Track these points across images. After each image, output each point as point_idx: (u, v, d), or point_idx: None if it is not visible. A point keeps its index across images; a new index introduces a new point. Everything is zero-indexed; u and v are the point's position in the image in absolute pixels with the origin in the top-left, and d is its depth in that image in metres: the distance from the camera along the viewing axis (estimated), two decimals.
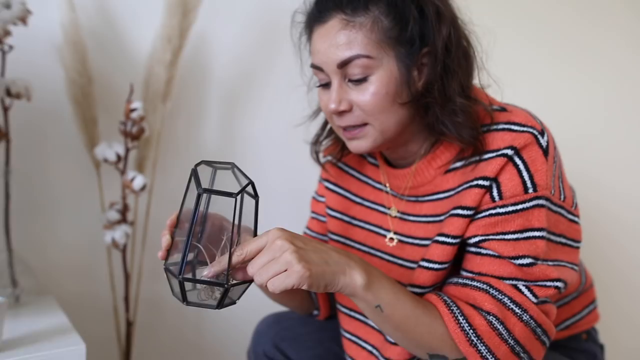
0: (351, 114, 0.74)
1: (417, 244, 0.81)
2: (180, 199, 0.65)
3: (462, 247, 0.76)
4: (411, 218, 0.82)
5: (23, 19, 0.92)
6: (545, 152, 0.71)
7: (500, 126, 0.73)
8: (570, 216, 0.77)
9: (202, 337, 1.38)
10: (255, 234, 0.64)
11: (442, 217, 0.77)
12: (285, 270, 0.60)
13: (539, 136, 0.71)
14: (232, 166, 0.66)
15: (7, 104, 0.95)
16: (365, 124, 0.75)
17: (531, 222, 0.71)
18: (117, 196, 1.15)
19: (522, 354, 0.70)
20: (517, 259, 0.70)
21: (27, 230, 1.14)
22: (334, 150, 0.91)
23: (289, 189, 1.39)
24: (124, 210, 1.13)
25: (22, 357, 0.79)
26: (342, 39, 0.71)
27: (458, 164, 0.76)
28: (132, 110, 1.09)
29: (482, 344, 0.68)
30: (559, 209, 0.75)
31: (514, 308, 0.70)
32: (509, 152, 0.70)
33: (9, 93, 0.94)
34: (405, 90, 0.72)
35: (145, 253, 1.22)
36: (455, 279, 0.75)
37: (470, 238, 0.73)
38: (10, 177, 0.98)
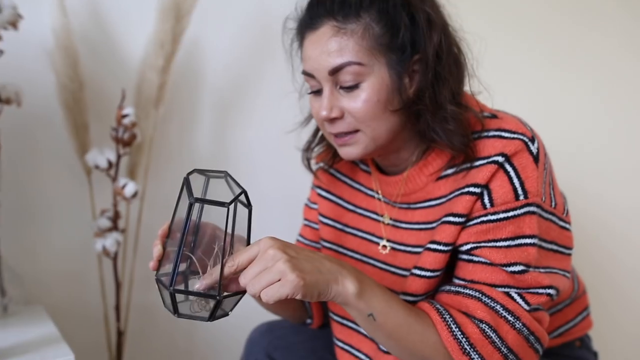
0: (342, 121, 0.74)
1: (410, 252, 0.80)
2: (172, 206, 0.64)
3: (454, 255, 0.75)
4: (403, 225, 0.82)
5: (14, 24, 0.91)
6: (536, 158, 0.71)
7: (491, 133, 0.73)
8: (561, 223, 0.77)
9: (194, 346, 1.36)
10: (248, 244, 0.64)
11: (434, 225, 0.77)
12: (279, 280, 0.59)
13: (529, 143, 0.71)
14: (225, 175, 0.65)
15: None
16: (356, 131, 0.75)
17: (522, 229, 0.71)
18: (109, 203, 1.14)
19: None
20: (509, 266, 0.70)
21: (17, 238, 1.13)
22: (326, 157, 0.91)
23: (281, 195, 1.38)
24: (115, 218, 1.12)
25: None
26: (334, 45, 0.71)
27: (449, 171, 0.76)
28: (124, 116, 1.08)
29: (475, 352, 0.68)
30: (550, 216, 0.75)
31: (507, 316, 0.69)
32: (500, 159, 0.70)
33: None
34: (396, 97, 0.72)
35: (137, 261, 1.21)
36: (447, 287, 0.74)
37: (462, 245, 0.73)
38: None
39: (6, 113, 0.96)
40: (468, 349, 0.68)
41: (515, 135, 0.71)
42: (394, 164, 0.83)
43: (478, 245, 0.72)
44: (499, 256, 0.70)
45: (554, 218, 0.76)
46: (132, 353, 1.27)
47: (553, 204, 0.75)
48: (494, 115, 0.76)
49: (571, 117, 1.67)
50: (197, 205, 0.63)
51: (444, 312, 0.70)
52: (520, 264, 0.70)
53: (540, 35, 1.62)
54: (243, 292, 0.63)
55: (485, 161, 0.71)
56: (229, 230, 0.62)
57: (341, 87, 0.73)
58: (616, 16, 1.67)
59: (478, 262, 0.72)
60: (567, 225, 0.79)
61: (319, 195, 0.93)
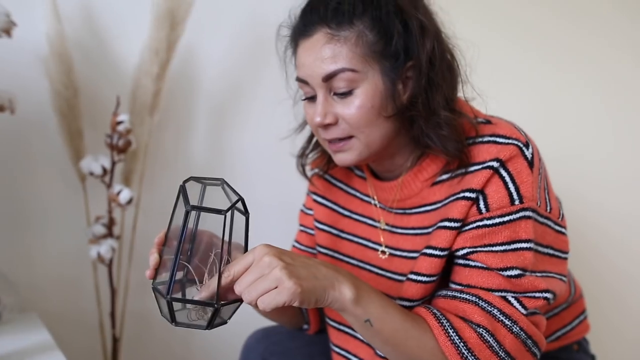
0: (337, 127, 0.74)
1: (406, 257, 0.80)
2: (168, 213, 0.64)
3: (450, 260, 0.75)
4: (399, 231, 0.82)
5: (7, 31, 0.91)
6: (531, 164, 0.72)
7: (486, 139, 0.73)
8: (557, 227, 0.78)
9: (190, 352, 1.36)
10: (245, 251, 0.63)
11: (429, 230, 0.77)
12: (276, 287, 0.59)
13: (523, 148, 0.72)
14: (222, 182, 0.65)
15: None
16: (350, 137, 0.75)
17: (518, 234, 0.71)
18: (103, 210, 1.13)
19: None
20: (505, 271, 0.70)
21: (11, 245, 1.12)
22: (321, 162, 0.91)
23: (277, 202, 1.38)
24: (110, 225, 1.12)
25: None
26: (327, 52, 0.71)
27: (444, 177, 0.77)
28: (119, 122, 1.08)
29: (473, 357, 0.68)
30: (545, 220, 0.75)
31: (504, 320, 0.69)
32: (495, 164, 0.71)
33: None
34: (390, 103, 0.73)
35: (132, 268, 1.20)
36: (444, 292, 0.74)
37: (458, 250, 0.73)
38: None
39: (0, 120, 0.95)
40: (466, 353, 0.67)
41: (510, 141, 0.71)
42: (388, 169, 0.83)
43: (474, 250, 0.72)
44: (495, 261, 0.71)
45: (549, 222, 0.76)
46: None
47: (548, 208, 0.76)
48: (488, 121, 0.76)
49: (568, 123, 1.67)
50: (193, 213, 0.63)
51: (441, 316, 0.70)
52: (516, 268, 0.70)
53: (535, 40, 1.63)
54: (241, 300, 0.63)
55: (480, 166, 0.72)
56: (226, 237, 0.61)
57: (335, 94, 0.73)
58: (612, 18, 1.67)
59: (474, 266, 0.72)
60: (563, 230, 0.79)
61: (315, 201, 0.93)
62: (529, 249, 0.71)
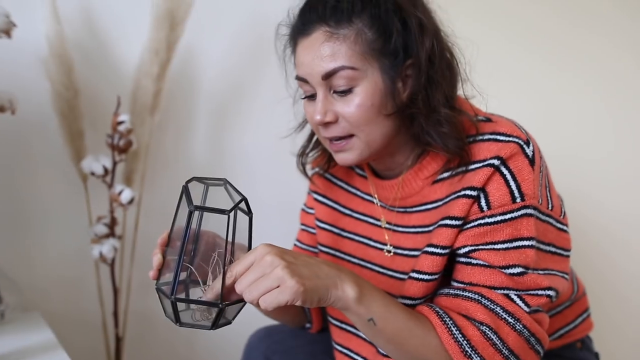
0: (337, 125, 0.74)
1: (407, 255, 0.80)
2: (169, 212, 0.64)
3: (452, 258, 0.75)
4: (400, 229, 0.82)
5: (7, 32, 0.91)
6: (532, 161, 0.71)
7: (486, 136, 0.73)
8: (558, 225, 0.77)
9: (193, 351, 1.36)
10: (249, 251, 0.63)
11: (431, 228, 0.77)
12: (278, 287, 0.59)
13: (524, 146, 0.71)
14: (224, 182, 0.65)
15: None
16: (351, 136, 0.75)
17: (520, 232, 0.71)
18: (105, 210, 1.14)
19: None
20: (508, 269, 0.70)
21: (13, 245, 1.12)
22: (321, 161, 0.91)
23: (279, 201, 1.38)
24: (111, 224, 1.12)
25: None
26: (327, 50, 0.71)
27: (445, 175, 0.76)
28: (120, 123, 1.08)
29: (476, 355, 0.67)
30: (547, 218, 0.75)
31: (507, 317, 0.69)
32: (496, 162, 0.70)
33: None
34: (390, 101, 0.72)
35: (134, 267, 1.21)
36: (446, 290, 0.74)
37: (459, 248, 0.73)
38: None
39: (0, 120, 0.95)
40: (469, 351, 0.67)
41: (511, 139, 0.71)
42: (389, 168, 0.82)
43: (476, 248, 0.72)
44: (497, 258, 0.70)
45: (551, 220, 0.76)
46: (131, 359, 1.26)
47: (550, 206, 0.75)
48: (488, 119, 0.76)
49: (568, 121, 1.67)
50: (196, 213, 0.63)
51: (443, 315, 0.70)
52: (518, 266, 0.70)
53: (534, 38, 1.62)
54: (245, 300, 0.63)
55: (481, 164, 0.71)
56: (230, 238, 0.61)
57: (335, 92, 0.73)
58: (612, 17, 1.66)
59: (476, 264, 0.72)
60: (565, 227, 0.79)
61: (316, 200, 0.93)
62: (531, 246, 0.71)
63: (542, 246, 0.74)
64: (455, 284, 0.74)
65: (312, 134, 0.88)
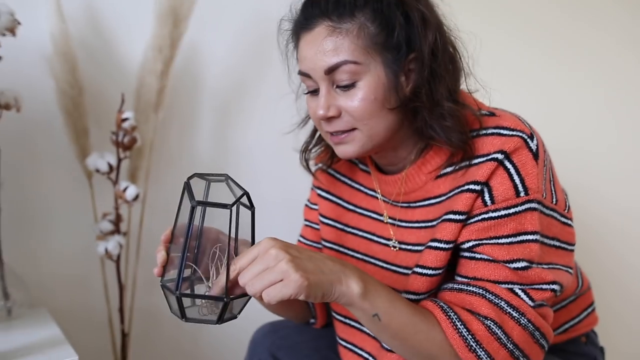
0: (340, 120, 0.74)
1: (411, 250, 0.80)
2: (173, 209, 0.64)
3: (455, 253, 0.75)
4: (404, 224, 0.82)
5: (12, 30, 0.91)
6: (535, 155, 0.71)
7: (490, 130, 0.73)
8: (563, 219, 0.77)
9: (198, 347, 1.37)
10: (252, 245, 0.63)
11: (434, 223, 0.77)
12: (281, 280, 0.59)
13: (528, 140, 0.71)
14: (226, 178, 0.65)
15: None
16: (353, 129, 0.74)
17: (524, 226, 0.70)
18: (110, 207, 1.14)
19: (521, 358, 0.69)
20: (512, 263, 0.70)
21: (19, 242, 1.13)
22: (325, 157, 0.91)
23: (282, 197, 1.39)
24: (117, 221, 1.13)
25: None
26: (329, 45, 0.71)
27: (448, 169, 0.76)
28: (124, 120, 1.09)
29: (481, 349, 0.67)
30: (551, 212, 0.75)
31: (511, 312, 0.69)
32: (499, 156, 0.70)
33: None
34: (393, 95, 0.72)
35: (140, 263, 1.21)
36: (450, 285, 0.74)
37: (463, 243, 0.73)
38: (0, 189, 0.97)
39: (6, 118, 0.96)
40: (474, 346, 0.67)
41: (514, 133, 0.71)
42: (392, 162, 0.82)
43: (480, 242, 0.71)
44: (501, 253, 0.70)
45: (555, 214, 0.75)
46: (137, 355, 1.27)
47: (554, 200, 0.75)
48: (492, 113, 0.75)
49: (570, 115, 1.67)
50: (199, 209, 0.63)
51: (448, 309, 0.70)
52: (523, 260, 0.70)
53: (536, 32, 1.62)
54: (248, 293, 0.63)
55: (484, 159, 0.71)
56: (233, 232, 0.61)
57: (338, 87, 0.73)
58: (613, 12, 1.66)
59: (480, 259, 0.72)
60: (569, 221, 0.78)
61: (319, 195, 0.93)
62: (535, 240, 0.70)
63: (546, 240, 0.74)
64: (459, 278, 0.74)
65: (315, 130, 0.88)
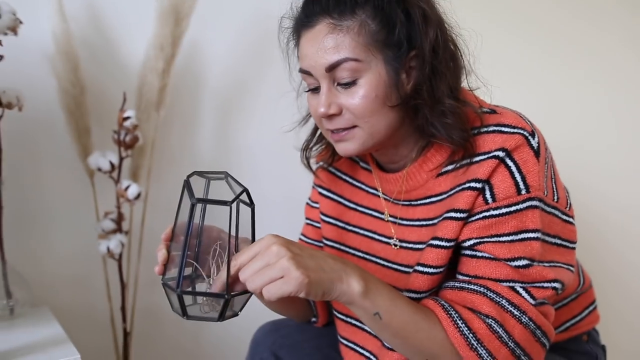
0: (341, 117, 0.74)
1: (412, 248, 0.80)
2: (175, 207, 0.64)
3: (457, 251, 0.75)
4: (405, 222, 0.82)
5: (13, 29, 0.92)
6: (537, 153, 0.71)
7: (491, 128, 0.73)
8: (564, 217, 0.77)
9: (200, 346, 1.37)
10: (253, 243, 0.64)
11: (435, 221, 0.77)
12: (282, 277, 0.59)
13: (529, 137, 0.71)
14: (226, 175, 0.65)
15: None
16: (354, 127, 0.74)
17: (525, 224, 0.70)
18: (112, 205, 1.14)
19: (522, 357, 0.69)
20: (513, 261, 0.70)
21: (21, 241, 1.13)
22: (326, 155, 0.91)
23: (284, 195, 1.39)
24: (118, 220, 1.13)
25: None
26: (330, 42, 0.71)
27: (449, 167, 0.76)
28: (126, 118, 1.09)
29: (482, 348, 0.67)
30: (552, 210, 0.74)
31: (513, 310, 0.69)
32: (500, 153, 0.70)
33: None
34: (394, 92, 0.72)
35: (141, 262, 1.21)
36: (451, 283, 0.74)
37: (464, 241, 0.73)
38: (2, 188, 0.97)
39: (8, 117, 0.96)
40: (475, 344, 0.67)
41: (516, 130, 0.71)
42: (393, 160, 0.82)
43: (481, 240, 0.71)
44: (502, 251, 0.70)
45: (556, 212, 0.75)
46: (138, 354, 1.27)
47: (555, 197, 0.75)
48: (493, 111, 0.75)
49: (571, 113, 1.67)
50: (199, 207, 0.63)
51: (449, 308, 0.70)
52: (524, 258, 0.70)
53: (536, 31, 1.62)
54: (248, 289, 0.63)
55: (485, 156, 0.71)
56: (233, 228, 0.61)
57: (339, 84, 0.73)
58: (613, 11, 1.66)
59: (481, 257, 0.72)
60: (570, 219, 0.78)
61: (320, 194, 0.93)
62: (537, 238, 0.70)
63: (547, 238, 0.74)
64: (460, 276, 0.74)
65: (315, 128, 0.88)
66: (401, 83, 0.72)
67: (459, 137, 0.72)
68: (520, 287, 0.70)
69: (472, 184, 0.71)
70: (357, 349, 0.85)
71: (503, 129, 0.72)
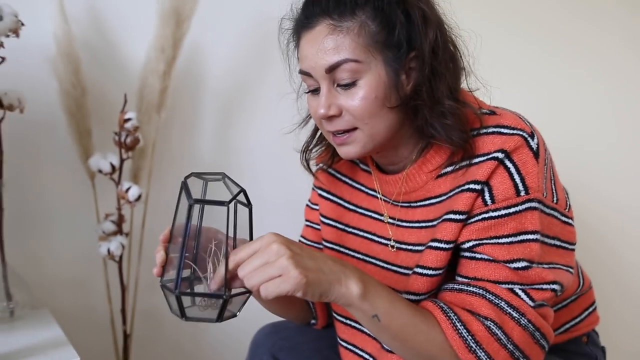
0: (341, 119, 0.74)
1: (411, 250, 0.80)
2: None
3: (456, 253, 0.75)
4: (404, 224, 0.82)
5: (15, 31, 0.92)
6: (536, 154, 0.71)
7: (490, 129, 0.73)
8: (563, 218, 0.77)
9: (200, 348, 1.37)
10: None
11: (435, 223, 0.76)
12: (280, 276, 0.59)
13: (528, 139, 0.71)
14: (223, 176, 0.65)
15: None
16: (354, 129, 0.74)
17: (524, 225, 0.70)
18: (113, 207, 1.14)
19: (521, 359, 0.69)
20: (512, 263, 0.70)
21: (22, 243, 1.14)
22: (325, 157, 0.91)
23: (284, 197, 1.39)
24: (119, 222, 1.13)
25: None
26: (330, 43, 0.71)
27: (449, 169, 0.76)
28: (126, 120, 1.09)
29: (481, 350, 0.67)
30: (551, 211, 0.74)
31: (512, 312, 0.69)
32: (500, 155, 0.70)
33: (1, 105, 0.94)
34: (394, 94, 0.72)
35: (142, 264, 1.21)
36: (450, 285, 0.74)
37: (464, 243, 0.72)
38: (3, 190, 0.98)
39: (9, 119, 0.97)
40: (474, 346, 0.67)
41: (515, 131, 0.71)
42: (392, 162, 0.82)
43: (480, 242, 0.71)
44: (501, 253, 0.70)
45: (556, 213, 0.75)
46: (139, 356, 1.27)
47: (555, 199, 0.75)
48: (492, 112, 0.75)
49: (571, 113, 1.67)
50: (197, 208, 0.63)
51: (448, 310, 0.70)
52: (523, 260, 0.70)
53: (536, 31, 1.62)
54: (250, 292, 0.63)
55: (484, 158, 0.71)
56: (231, 229, 0.62)
57: (338, 85, 0.73)
58: (613, 10, 1.66)
59: (480, 259, 0.72)
60: (570, 221, 0.78)
61: (320, 195, 0.93)
62: (536, 240, 0.70)
63: (546, 240, 0.73)
64: (459, 278, 0.74)
65: (315, 130, 0.88)
66: (401, 84, 0.72)
67: (459, 138, 0.72)
68: (519, 289, 0.70)
69: (472, 186, 0.71)
70: (357, 351, 0.85)
71: (502, 130, 0.72)
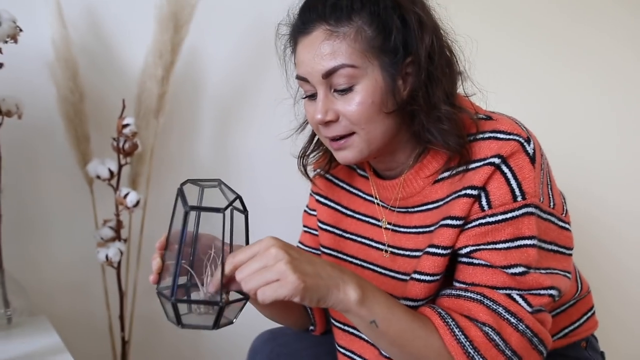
0: (337, 124, 0.74)
1: (409, 256, 0.80)
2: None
3: (453, 258, 0.75)
4: (402, 229, 0.82)
5: (13, 37, 0.92)
6: (532, 159, 0.71)
7: (487, 135, 0.73)
8: (560, 223, 0.77)
9: (198, 354, 1.36)
10: None
11: (432, 228, 0.76)
12: (278, 280, 0.59)
13: (525, 144, 0.71)
14: (219, 183, 0.65)
15: None
16: (351, 134, 0.74)
17: (521, 231, 0.70)
18: (111, 213, 1.14)
19: None
20: (510, 268, 0.70)
21: (19, 249, 1.13)
22: (323, 162, 0.91)
23: (282, 203, 1.38)
24: (117, 227, 1.13)
25: None
26: (327, 49, 0.71)
27: (446, 174, 0.76)
28: (125, 126, 1.09)
29: (479, 356, 0.67)
30: (548, 216, 0.74)
31: (509, 318, 0.69)
32: (496, 160, 0.70)
33: None
34: (390, 99, 0.72)
35: (140, 270, 1.21)
36: (448, 291, 0.74)
37: (461, 248, 0.72)
38: (1, 196, 0.98)
39: (7, 125, 0.97)
40: (472, 352, 0.67)
41: (511, 137, 0.71)
42: (389, 167, 0.82)
43: (477, 247, 0.71)
44: (499, 258, 0.70)
45: (552, 218, 0.75)
46: None
47: (551, 204, 0.75)
48: (488, 117, 0.75)
49: (570, 118, 1.66)
50: (193, 215, 0.63)
51: (446, 316, 0.69)
52: (520, 265, 0.70)
53: (534, 34, 1.62)
54: (246, 298, 0.63)
55: (481, 163, 0.71)
56: (227, 235, 0.61)
57: (335, 90, 0.73)
58: (613, 13, 1.66)
59: (478, 264, 0.71)
60: (567, 225, 0.78)
61: (317, 201, 0.93)
62: (533, 245, 0.70)
63: (543, 245, 0.73)
64: (457, 284, 0.74)
65: (312, 135, 0.88)
66: (397, 89, 0.72)
67: (455, 144, 0.72)
68: (517, 294, 0.70)
69: (468, 191, 0.71)
70: (355, 357, 0.85)
71: (499, 135, 0.72)
